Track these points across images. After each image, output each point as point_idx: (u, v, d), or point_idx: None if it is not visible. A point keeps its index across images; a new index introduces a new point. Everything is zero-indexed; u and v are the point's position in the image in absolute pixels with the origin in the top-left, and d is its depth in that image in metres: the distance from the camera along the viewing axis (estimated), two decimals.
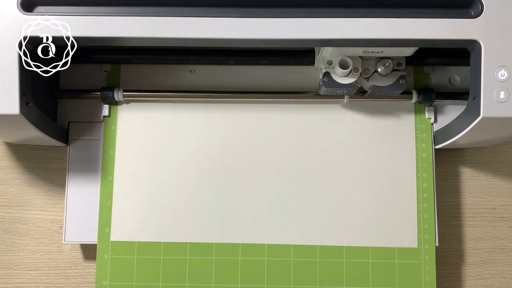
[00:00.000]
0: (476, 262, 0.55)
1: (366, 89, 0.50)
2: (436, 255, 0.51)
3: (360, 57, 0.47)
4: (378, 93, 0.50)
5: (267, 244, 0.51)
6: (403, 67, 0.48)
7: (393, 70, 0.48)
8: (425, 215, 0.52)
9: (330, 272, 0.51)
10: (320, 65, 0.49)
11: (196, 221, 0.52)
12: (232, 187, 0.52)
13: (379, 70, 0.48)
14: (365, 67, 0.48)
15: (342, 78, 0.47)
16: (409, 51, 0.46)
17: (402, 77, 0.48)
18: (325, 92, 0.50)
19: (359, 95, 0.52)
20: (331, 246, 0.51)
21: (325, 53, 0.47)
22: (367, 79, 0.48)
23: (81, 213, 0.52)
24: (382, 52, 0.45)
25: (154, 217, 0.52)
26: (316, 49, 0.49)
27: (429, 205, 0.52)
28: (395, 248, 0.51)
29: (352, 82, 0.47)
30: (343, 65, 0.46)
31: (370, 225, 0.52)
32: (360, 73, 0.47)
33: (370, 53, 0.46)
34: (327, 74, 0.48)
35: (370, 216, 0.52)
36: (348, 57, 0.46)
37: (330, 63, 0.47)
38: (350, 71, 0.47)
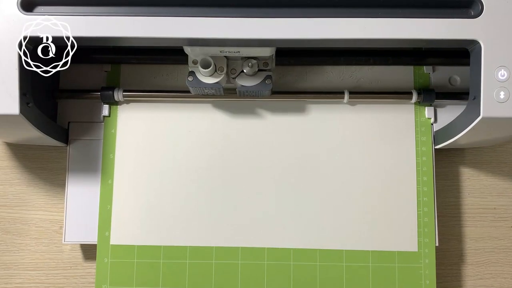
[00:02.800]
0: (476, 262, 0.55)
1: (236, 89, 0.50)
2: (436, 255, 0.51)
3: (225, 57, 0.47)
4: (247, 93, 0.50)
5: (267, 247, 0.51)
6: (270, 67, 0.48)
7: (260, 70, 0.48)
8: (425, 218, 0.51)
9: (330, 276, 0.51)
10: (189, 65, 0.48)
11: (196, 224, 0.52)
12: (232, 191, 0.52)
13: (244, 70, 0.48)
14: (232, 67, 0.48)
15: (207, 77, 0.47)
16: (267, 51, 0.46)
17: (268, 77, 0.48)
18: (193, 91, 0.50)
19: (359, 95, 0.53)
20: (331, 250, 0.51)
21: (189, 52, 0.46)
22: (235, 79, 0.48)
23: (81, 213, 0.52)
24: (238, 52, 0.45)
25: (154, 220, 0.52)
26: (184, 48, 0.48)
27: (429, 208, 0.52)
28: (395, 252, 0.51)
29: (217, 82, 0.47)
30: (205, 65, 0.46)
31: (370, 229, 0.51)
32: (227, 73, 0.48)
33: (226, 53, 0.46)
34: (191, 74, 0.48)
35: (370, 219, 0.52)
36: (212, 56, 0.46)
37: (195, 62, 0.47)
38: (215, 71, 0.47)
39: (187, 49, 0.45)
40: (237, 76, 0.48)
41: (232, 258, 0.51)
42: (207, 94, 0.51)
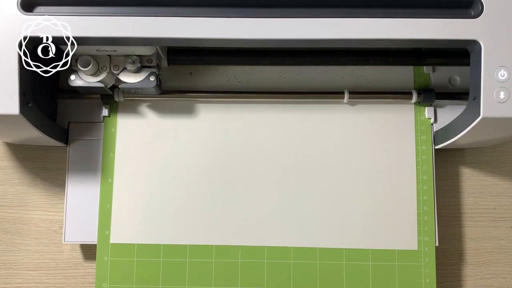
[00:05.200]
0: (476, 262, 0.55)
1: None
2: (436, 255, 0.51)
3: (109, 55, 0.47)
4: (132, 90, 0.50)
5: (267, 246, 0.51)
6: (154, 63, 0.48)
7: (144, 66, 0.48)
8: (425, 217, 0.51)
9: (330, 275, 0.51)
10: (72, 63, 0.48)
11: (196, 223, 0.52)
12: (232, 189, 0.52)
13: (127, 67, 0.47)
14: (115, 64, 0.47)
15: (89, 76, 0.47)
16: (146, 50, 0.45)
17: (152, 73, 0.48)
18: (80, 90, 0.49)
19: (359, 95, 0.53)
20: (331, 248, 0.51)
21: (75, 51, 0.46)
22: (118, 75, 0.48)
23: (81, 213, 0.52)
24: (115, 51, 0.45)
25: (154, 219, 0.52)
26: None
27: (429, 207, 0.52)
28: (395, 250, 0.51)
29: (99, 81, 0.47)
30: (84, 64, 0.46)
31: (370, 228, 0.51)
32: (110, 71, 0.47)
33: (103, 51, 0.45)
34: (74, 73, 0.47)
35: (370, 218, 0.52)
36: (93, 55, 0.46)
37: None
38: (98, 70, 0.47)
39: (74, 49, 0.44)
40: (119, 72, 0.48)
41: (232, 256, 0.51)
42: (92, 92, 0.50)
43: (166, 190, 0.52)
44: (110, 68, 0.47)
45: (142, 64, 0.48)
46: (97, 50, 0.45)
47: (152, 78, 0.48)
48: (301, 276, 0.51)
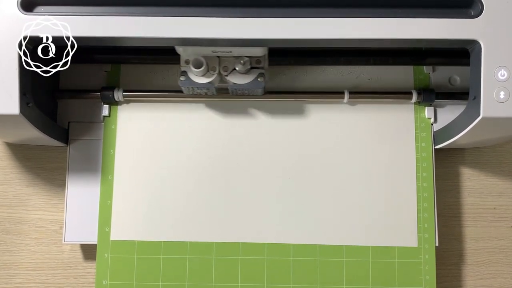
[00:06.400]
0: (476, 262, 0.55)
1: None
2: (436, 255, 0.51)
3: (217, 56, 0.47)
4: (240, 91, 0.49)
5: (267, 243, 0.51)
6: (262, 64, 0.48)
7: (253, 67, 0.48)
8: (425, 214, 0.52)
9: (330, 271, 0.51)
10: (181, 64, 0.48)
11: (196, 220, 0.52)
12: (232, 186, 0.52)
13: (236, 68, 0.47)
14: (224, 64, 0.47)
15: (199, 77, 0.47)
16: (259, 51, 0.45)
17: (261, 74, 0.48)
18: (186, 91, 0.50)
19: (359, 95, 0.53)
20: (331, 245, 0.51)
21: (181, 52, 0.46)
22: (227, 77, 0.48)
23: (81, 213, 0.52)
24: (230, 52, 0.45)
25: (154, 216, 0.52)
26: (176, 48, 0.47)
27: (429, 204, 0.52)
28: (395, 247, 0.51)
29: (209, 82, 0.47)
30: (197, 65, 0.46)
31: (370, 224, 0.52)
32: (219, 72, 0.47)
33: (219, 53, 0.45)
34: (184, 73, 0.47)
35: (370, 215, 0.52)
36: (204, 56, 0.46)
37: (187, 62, 0.47)
38: (207, 71, 0.47)
39: (179, 49, 0.45)
40: (229, 74, 0.48)
41: (232, 253, 0.51)
42: (200, 94, 0.51)
43: (167, 187, 0.52)
44: (219, 69, 0.47)
45: (251, 65, 0.47)
46: (212, 52, 0.45)
47: (260, 79, 0.48)
48: (301, 272, 0.51)
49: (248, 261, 0.51)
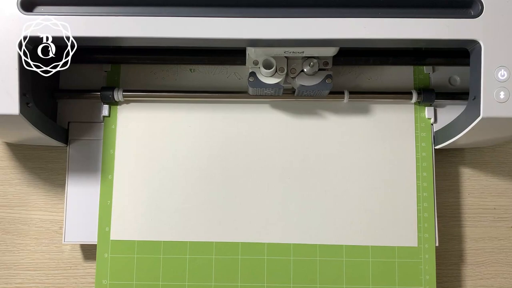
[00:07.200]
0: (476, 262, 0.55)
1: (296, 89, 0.50)
2: (436, 255, 0.51)
3: (286, 57, 0.47)
4: (306, 93, 0.50)
5: (267, 243, 0.51)
6: (329, 66, 0.48)
7: (320, 69, 0.48)
8: (425, 214, 0.52)
9: (330, 271, 0.51)
10: (249, 65, 0.48)
11: (196, 220, 0.52)
12: (232, 186, 0.52)
13: (305, 69, 0.47)
14: (292, 66, 0.48)
15: (268, 78, 0.47)
16: (330, 51, 0.45)
17: (328, 76, 0.48)
18: (252, 92, 0.50)
19: (359, 95, 0.53)
20: (331, 245, 0.51)
21: (251, 53, 0.46)
22: (295, 78, 0.48)
23: (81, 213, 0.52)
24: (303, 52, 0.45)
25: (154, 216, 0.52)
26: (247, 48, 0.47)
27: (429, 204, 0.52)
28: (395, 247, 0.51)
29: (277, 82, 0.47)
30: (267, 65, 0.46)
31: (370, 224, 0.52)
32: (287, 73, 0.47)
33: (291, 53, 0.45)
34: (252, 74, 0.48)
35: (370, 215, 0.52)
36: (273, 57, 0.46)
37: (256, 63, 0.47)
38: (276, 72, 0.47)
39: (251, 50, 0.45)
40: (297, 75, 0.48)
41: (232, 253, 0.51)
42: (265, 95, 0.51)
43: (167, 187, 0.52)
44: (287, 70, 0.47)
45: (318, 66, 0.48)
46: (284, 52, 0.45)
47: (328, 81, 0.48)
48: (301, 272, 0.51)
49: (248, 260, 0.51)
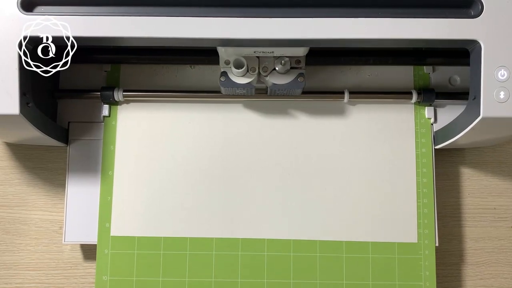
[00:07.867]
0: (476, 262, 0.55)
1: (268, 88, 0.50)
2: (436, 255, 0.51)
3: (257, 56, 0.47)
4: (279, 91, 0.49)
5: (267, 239, 0.51)
6: (302, 65, 0.48)
7: (292, 67, 0.48)
8: (425, 210, 0.52)
9: (330, 267, 0.51)
10: (221, 65, 0.48)
11: (196, 216, 0.52)
12: (232, 182, 0.52)
13: (276, 68, 0.47)
14: (264, 65, 0.47)
15: (239, 78, 0.47)
16: (300, 51, 0.45)
17: (300, 74, 0.48)
18: (225, 91, 0.50)
19: (359, 95, 0.53)
20: (331, 241, 0.51)
21: (221, 52, 0.46)
22: (267, 77, 0.48)
23: (81, 213, 0.52)
24: (273, 52, 0.45)
25: (154, 212, 0.52)
26: (217, 48, 0.47)
27: (429, 200, 0.52)
28: (395, 243, 0.51)
29: (249, 82, 0.47)
30: (238, 65, 0.46)
31: (370, 220, 0.52)
32: (258, 73, 0.47)
33: (261, 53, 0.45)
34: (224, 74, 0.47)
35: (370, 211, 0.52)
36: (244, 56, 0.46)
37: (227, 62, 0.47)
38: (247, 71, 0.47)
39: (221, 50, 0.45)
40: (268, 74, 0.48)
41: (232, 249, 0.51)
42: (238, 94, 0.51)
43: (167, 182, 0.52)
44: (259, 69, 0.47)
45: (291, 65, 0.47)
46: (254, 52, 0.45)
47: (300, 80, 0.48)
48: (301, 268, 0.51)
49: (248, 256, 0.51)
